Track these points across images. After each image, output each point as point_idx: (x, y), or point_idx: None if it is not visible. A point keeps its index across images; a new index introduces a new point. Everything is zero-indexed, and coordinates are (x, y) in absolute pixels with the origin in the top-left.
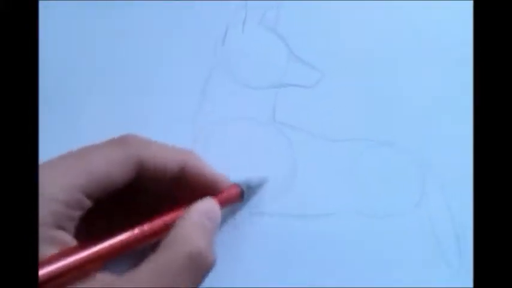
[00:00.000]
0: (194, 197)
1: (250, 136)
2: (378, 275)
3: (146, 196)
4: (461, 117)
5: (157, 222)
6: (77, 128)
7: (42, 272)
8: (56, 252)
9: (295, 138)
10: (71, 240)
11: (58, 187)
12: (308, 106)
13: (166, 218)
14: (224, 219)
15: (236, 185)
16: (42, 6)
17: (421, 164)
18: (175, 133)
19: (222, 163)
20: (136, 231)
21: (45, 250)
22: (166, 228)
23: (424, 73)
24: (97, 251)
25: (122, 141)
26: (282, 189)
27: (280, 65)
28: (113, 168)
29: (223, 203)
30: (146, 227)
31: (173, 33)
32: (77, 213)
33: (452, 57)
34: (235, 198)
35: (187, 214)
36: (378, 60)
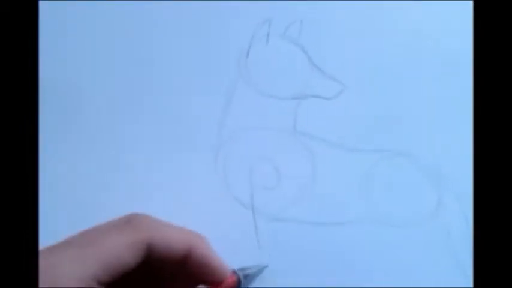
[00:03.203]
0: (197, 280)
1: (271, 145)
2: (393, 283)
3: (154, 276)
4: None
5: None
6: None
7: None
8: None
9: (314, 147)
10: None
11: (73, 279)
12: (328, 117)
13: None
14: None
15: (234, 274)
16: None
17: (437, 174)
18: (198, 142)
19: (243, 172)
20: None
21: None
22: None
23: (439, 83)
24: None
25: (131, 224)
26: (300, 197)
27: (302, 76)
28: (124, 254)
29: None
30: None
31: (199, 43)
32: None
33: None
34: (232, 287)
35: None
36: (398, 72)
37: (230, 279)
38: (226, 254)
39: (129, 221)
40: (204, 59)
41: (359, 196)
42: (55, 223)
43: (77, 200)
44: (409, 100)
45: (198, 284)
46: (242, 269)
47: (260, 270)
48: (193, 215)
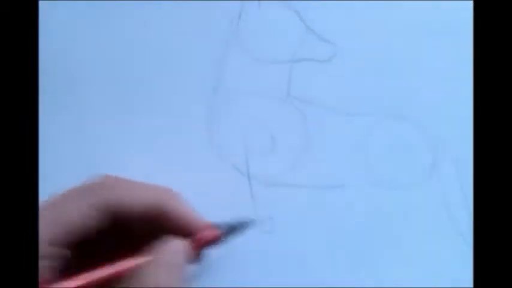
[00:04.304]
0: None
1: (264, 110)
2: (389, 245)
3: (125, 235)
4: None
5: (128, 263)
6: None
7: None
8: None
9: (308, 112)
10: None
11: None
12: (322, 80)
13: (139, 259)
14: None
15: (213, 226)
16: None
17: (433, 136)
18: (189, 108)
19: (235, 137)
20: (104, 272)
21: None
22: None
23: (437, 42)
24: None
25: (95, 186)
26: (295, 162)
27: (295, 39)
28: (86, 217)
29: (199, 245)
30: (116, 267)
31: (188, 7)
32: (56, 263)
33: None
34: (212, 239)
35: (150, 254)
36: (392, 32)
37: (209, 232)
38: (222, 219)
39: (92, 184)
40: (194, 24)
41: (355, 159)
42: None
43: (74, 160)
44: (405, 62)
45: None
46: (225, 223)
47: (244, 222)
48: (188, 183)
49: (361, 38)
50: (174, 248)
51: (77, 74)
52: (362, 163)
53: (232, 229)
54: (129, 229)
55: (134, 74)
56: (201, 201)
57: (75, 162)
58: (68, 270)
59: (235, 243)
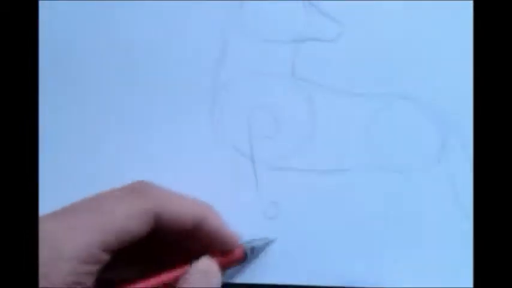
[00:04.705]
0: (205, 250)
1: (269, 92)
2: (395, 229)
3: (162, 246)
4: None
5: (166, 276)
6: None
7: None
8: None
9: (314, 93)
10: None
11: (77, 247)
12: (328, 60)
13: (175, 273)
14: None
15: (242, 246)
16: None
17: (441, 118)
18: (193, 91)
19: (239, 119)
20: (141, 284)
21: None
22: (175, 281)
23: (445, 23)
24: None
25: (139, 192)
26: (300, 145)
27: (300, 18)
28: (131, 221)
29: (227, 264)
30: (152, 280)
31: None
32: (96, 268)
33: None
34: (239, 259)
35: (187, 273)
36: (400, 12)
37: (237, 252)
38: (227, 205)
39: (137, 189)
40: (197, 5)
41: (361, 142)
42: (54, 194)
43: (76, 166)
44: (413, 42)
45: (206, 253)
46: (249, 242)
47: (267, 243)
48: (192, 166)
49: (367, 17)
50: (211, 270)
51: (77, 74)
52: (368, 146)
53: (256, 249)
54: (166, 239)
55: (134, 65)
56: (205, 185)
57: (75, 162)
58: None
59: (240, 229)
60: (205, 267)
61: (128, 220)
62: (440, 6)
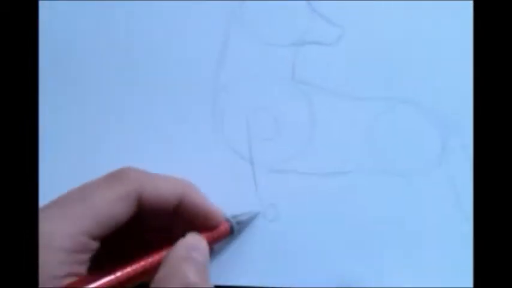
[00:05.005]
0: (190, 228)
1: (269, 95)
2: (396, 232)
3: (148, 228)
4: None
5: (154, 258)
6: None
7: None
8: None
9: (314, 96)
10: None
11: (66, 236)
12: (328, 64)
13: (162, 253)
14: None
15: (227, 220)
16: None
17: (441, 121)
18: (193, 94)
19: (239, 122)
20: (130, 268)
21: None
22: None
23: (445, 25)
24: None
25: (119, 177)
26: (300, 147)
27: (300, 22)
28: (115, 207)
29: (214, 239)
30: (142, 263)
31: None
32: (86, 256)
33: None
34: (225, 234)
35: (173, 249)
36: (400, 15)
37: (223, 226)
38: (225, 206)
39: (118, 175)
40: (198, 8)
41: (361, 145)
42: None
43: (76, 166)
44: (413, 45)
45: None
46: (234, 216)
47: (252, 217)
48: (191, 168)
49: (367, 20)
50: (199, 244)
51: (77, 74)
52: (369, 149)
53: (242, 223)
54: (151, 221)
55: (135, 65)
56: (204, 187)
57: (75, 162)
58: (93, 263)
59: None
60: (193, 241)
61: (110, 205)
62: (440, 9)
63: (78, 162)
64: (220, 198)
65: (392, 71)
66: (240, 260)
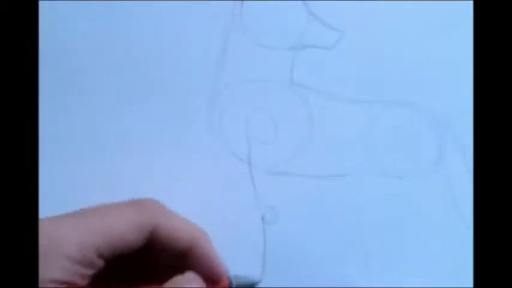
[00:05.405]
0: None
1: (268, 98)
2: (393, 235)
3: (153, 261)
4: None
5: None
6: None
7: None
8: None
9: (312, 99)
10: None
11: (74, 246)
12: (326, 67)
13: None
14: None
15: (228, 279)
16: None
17: (439, 124)
18: (191, 96)
19: (237, 124)
20: None
21: None
22: None
23: (442, 30)
24: None
25: (140, 204)
26: (298, 150)
27: (298, 25)
28: (128, 231)
29: None
30: None
31: None
32: (89, 272)
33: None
34: None
35: (169, 282)
36: (397, 19)
37: (222, 282)
38: (223, 209)
39: (139, 203)
40: (197, 9)
41: (359, 148)
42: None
43: (76, 166)
44: (411, 48)
45: None
46: (236, 277)
47: (254, 283)
48: (190, 170)
49: (365, 24)
50: (195, 281)
51: (77, 74)
52: (367, 151)
53: (239, 286)
54: (157, 256)
55: (134, 66)
56: (202, 190)
57: (75, 162)
58: (94, 282)
59: (237, 234)
60: (190, 278)
61: (124, 230)
62: (440, 11)
63: (78, 163)
64: (219, 200)
65: (389, 73)
66: (235, 262)
